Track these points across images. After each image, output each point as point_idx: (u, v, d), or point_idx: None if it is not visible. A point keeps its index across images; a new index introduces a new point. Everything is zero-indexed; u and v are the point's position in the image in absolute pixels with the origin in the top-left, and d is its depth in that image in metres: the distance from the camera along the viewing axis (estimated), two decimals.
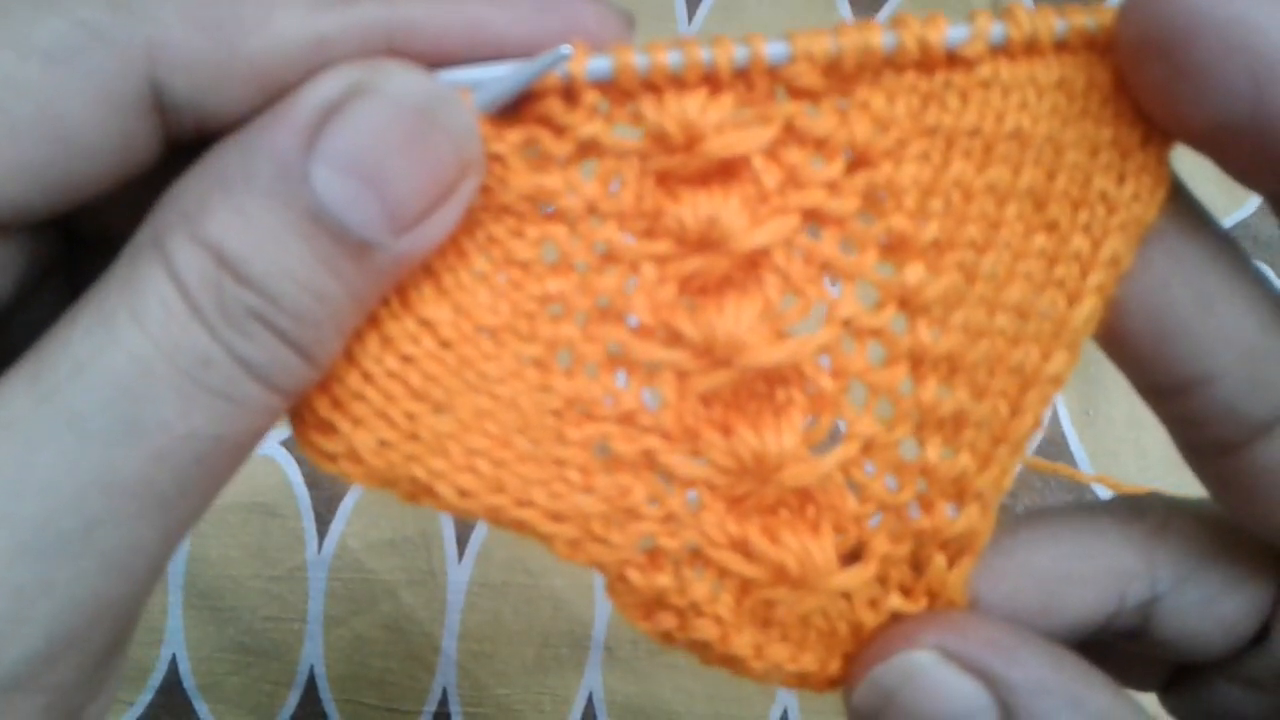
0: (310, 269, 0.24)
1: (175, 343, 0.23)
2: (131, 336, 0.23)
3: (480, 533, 0.64)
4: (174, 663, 0.63)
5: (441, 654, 0.63)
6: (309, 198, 0.23)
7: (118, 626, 0.24)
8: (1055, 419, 0.66)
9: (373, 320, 0.26)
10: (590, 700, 0.63)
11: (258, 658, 0.63)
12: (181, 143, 0.25)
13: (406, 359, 0.27)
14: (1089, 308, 0.27)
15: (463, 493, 0.27)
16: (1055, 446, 0.66)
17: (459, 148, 0.25)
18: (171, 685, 0.63)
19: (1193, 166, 0.27)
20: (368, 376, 0.26)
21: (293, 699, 0.63)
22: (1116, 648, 0.32)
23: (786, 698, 0.64)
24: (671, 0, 0.73)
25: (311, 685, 0.63)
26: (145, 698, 0.63)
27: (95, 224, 0.26)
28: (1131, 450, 0.65)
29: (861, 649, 0.29)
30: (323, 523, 0.64)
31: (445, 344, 0.27)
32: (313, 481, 0.64)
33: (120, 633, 0.25)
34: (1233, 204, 0.68)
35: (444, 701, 0.63)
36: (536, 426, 0.28)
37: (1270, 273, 0.66)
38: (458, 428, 0.27)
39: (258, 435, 0.25)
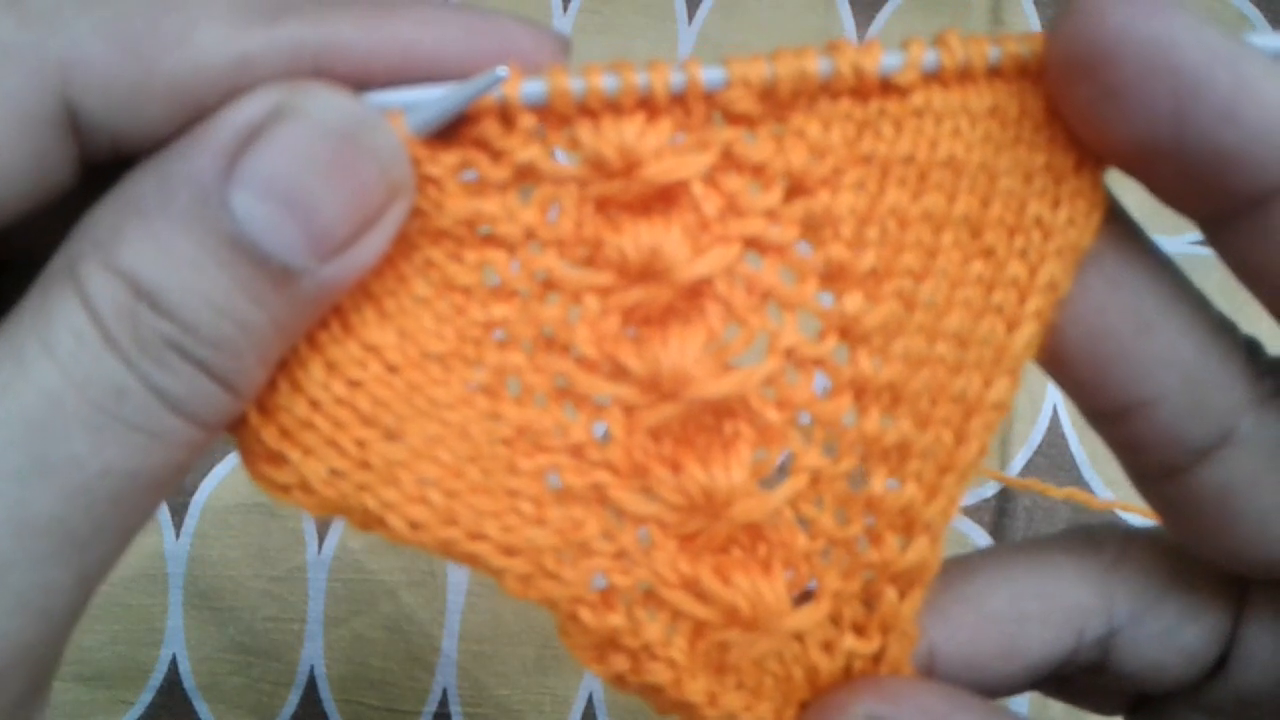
0: (230, 296, 0.23)
1: (87, 374, 0.22)
2: (41, 369, 0.22)
3: None
4: (174, 663, 0.63)
5: (441, 654, 0.63)
6: (228, 223, 0.22)
7: (35, 671, 0.23)
8: (1055, 421, 0.66)
9: (315, 345, 0.26)
10: (590, 700, 0.63)
11: (258, 658, 0.63)
12: (98, 165, 0.24)
13: (354, 384, 0.26)
14: (1028, 333, 0.27)
15: (414, 525, 0.26)
16: (1056, 449, 0.66)
17: (385, 171, 0.24)
18: (171, 685, 0.63)
19: None
20: (315, 404, 0.26)
21: (293, 699, 0.63)
22: (1079, 676, 0.31)
23: None
24: (671, 1, 0.73)
25: (311, 685, 0.63)
26: (145, 698, 0.63)
27: (10, 251, 0.25)
28: None
29: (816, 697, 0.29)
30: (323, 523, 0.64)
31: (392, 369, 0.26)
32: None
33: (38, 677, 0.24)
34: None
35: (444, 702, 0.63)
36: (488, 456, 0.27)
37: None
38: (409, 455, 0.26)
39: (178, 470, 0.24)
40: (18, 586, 0.22)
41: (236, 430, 0.26)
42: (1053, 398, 0.66)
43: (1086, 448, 0.66)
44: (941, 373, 0.27)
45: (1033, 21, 0.71)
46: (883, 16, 0.72)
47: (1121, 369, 0.26)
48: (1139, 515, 0.54)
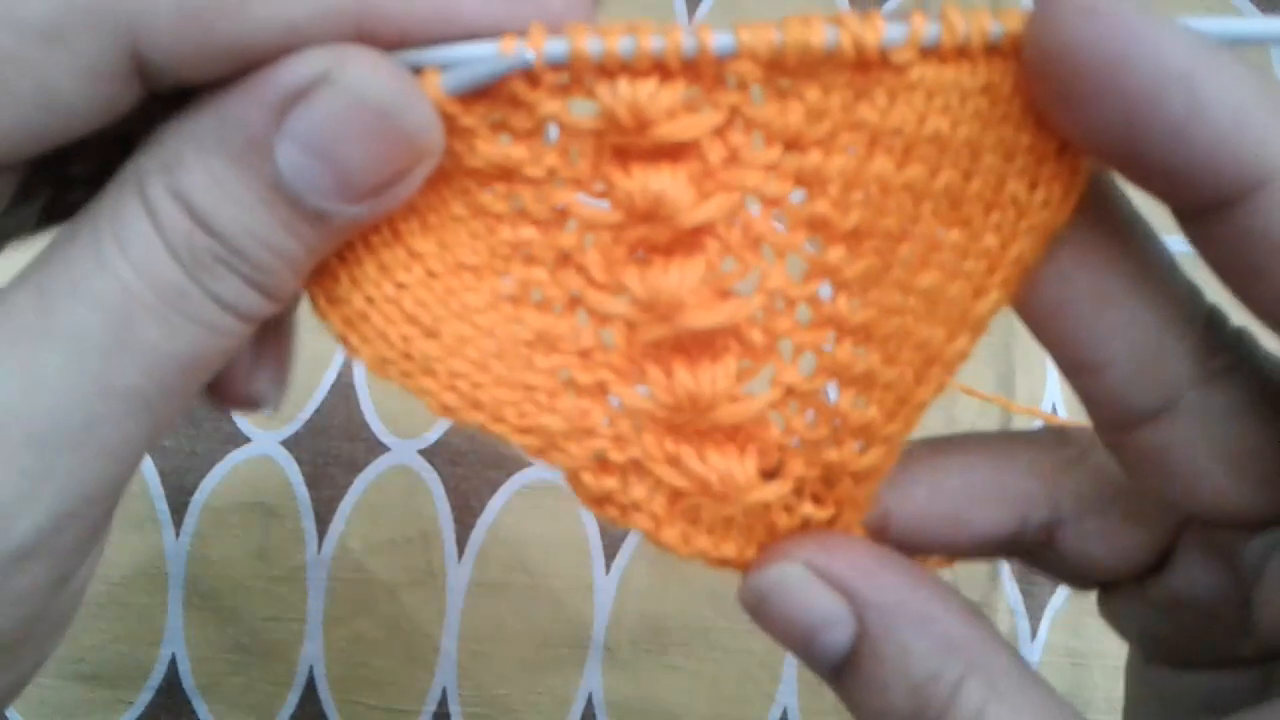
0: (270, 229, 0.27)
1: (154, 275, 0.26)
2: (118, 264, 0.26)
3: (480, 533, 0.64)
4: (173, 663, 0.63)
5: (441, 654, 0.63)
6: (272, 170, 0.26)
7: (109, 504, 0.29)
8: (1054, 417, 0.66)
9: (370, 248, 0.30)
10: (590, 700, 0.63)
11: (258, 658, 0.63)
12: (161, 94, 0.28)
13: (401, 286, 0.31)
14: (992, 300, 0.28)
15: (445, 408, 0.31)
16: None
17: (413, 142, 0.27)
18: (171, 685, 0.63)
19: None
20: (370, 300, 0.30)
21: (292, 699, 0.63)
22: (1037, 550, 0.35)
23: (786, 698, 0.64)
24: (671, 1, 0.73)
25: (311, 685, 0.63)
26: (145, 697, 0.63)
27: (76, 160, 0.29)
28: None
29: (775, 541, 0.33)
30: (323, 523, 0.64)
31: (433, 274, 0.31)
32: (313, 481, 0.65)
33: (110, 509, 0.29)
34: None
35: (444, 701, 0.63)
36: (510, 354, 0.31)
37: None
38: (443, 352, 0.31)
39: (230, 353, 0.29)
40: (105, 437, 0.27)
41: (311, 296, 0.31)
42: (1052, 396, 0.67)
43: None
44: (911, 322, 0.29)
45: None
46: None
47: (1077, 333, 0.28)
48: None
